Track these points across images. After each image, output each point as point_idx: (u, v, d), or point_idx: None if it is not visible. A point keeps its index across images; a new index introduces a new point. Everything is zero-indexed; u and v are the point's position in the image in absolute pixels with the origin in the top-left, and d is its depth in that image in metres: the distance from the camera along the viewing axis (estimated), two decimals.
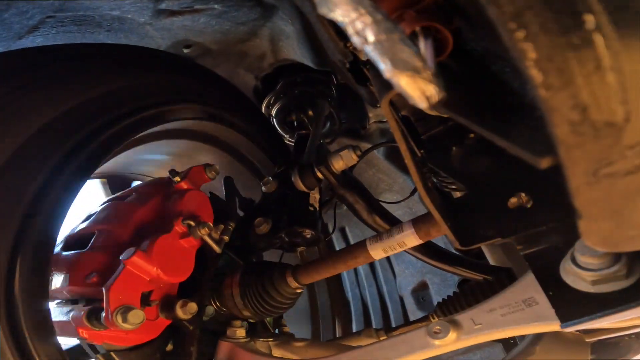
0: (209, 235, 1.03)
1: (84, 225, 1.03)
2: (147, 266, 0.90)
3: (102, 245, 0.94)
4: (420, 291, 1.71)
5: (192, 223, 0.99)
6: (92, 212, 1.07)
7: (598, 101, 0.34)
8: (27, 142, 0.77)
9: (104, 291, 0.84)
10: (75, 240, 0.98)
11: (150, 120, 1.02)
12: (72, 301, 0.94)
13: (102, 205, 1.08)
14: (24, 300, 0.73)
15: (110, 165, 1.25)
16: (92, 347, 0.94)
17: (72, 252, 0.94)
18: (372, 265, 1.89)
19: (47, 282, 0.79)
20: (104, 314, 0.83)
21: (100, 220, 1.01)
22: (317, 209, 1.24)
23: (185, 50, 1.28)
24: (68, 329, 0.88)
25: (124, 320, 0.83)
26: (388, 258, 1.85)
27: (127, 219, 0.99)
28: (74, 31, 1.01)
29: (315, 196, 1.24)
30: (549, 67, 0.33)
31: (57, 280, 0.90)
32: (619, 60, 0.32)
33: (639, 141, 0.35)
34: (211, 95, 1.25)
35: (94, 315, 0.86)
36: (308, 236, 1.20)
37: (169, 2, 1.04)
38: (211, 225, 1.03)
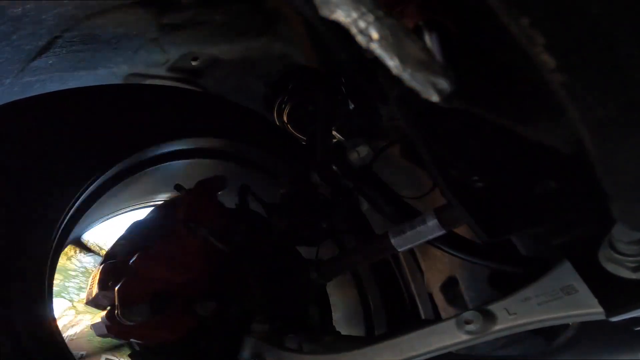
0: (212, 235, 1.10)
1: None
2: (151, 267, 1.02)
3: (121, 256, 1.07)
4: (450, 287, 1.67)
5: (192, 225, 1.09)
6: None
7: None
8: None
9: (115, 291, 0.97)
10: (110, 254, 1.13)
11: None
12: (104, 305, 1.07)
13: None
14: None
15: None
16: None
17: (104, 263, 1.07)
18: (398, 263, 1.86)
19: None
20: (116, 311, 0.96)
21: (123, 237, 1.15)
22: (329, 198, 1.25)
23: (194, 63, 1.29)
24: (102, 328, 1.03)
25: (130, 314, 0.95)
26: (414, 255, 1.82)
27: (141, 232, 1.13)
28: (83, 50, 1.04)
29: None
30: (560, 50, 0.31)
31: (95, 288, 1.03)
32: None
33: None
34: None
35: (112, 314, 0.98)
36: (324, 226, 1.21)
37: (171, 17, 1.05)
38: (211, 226, 1.10)
